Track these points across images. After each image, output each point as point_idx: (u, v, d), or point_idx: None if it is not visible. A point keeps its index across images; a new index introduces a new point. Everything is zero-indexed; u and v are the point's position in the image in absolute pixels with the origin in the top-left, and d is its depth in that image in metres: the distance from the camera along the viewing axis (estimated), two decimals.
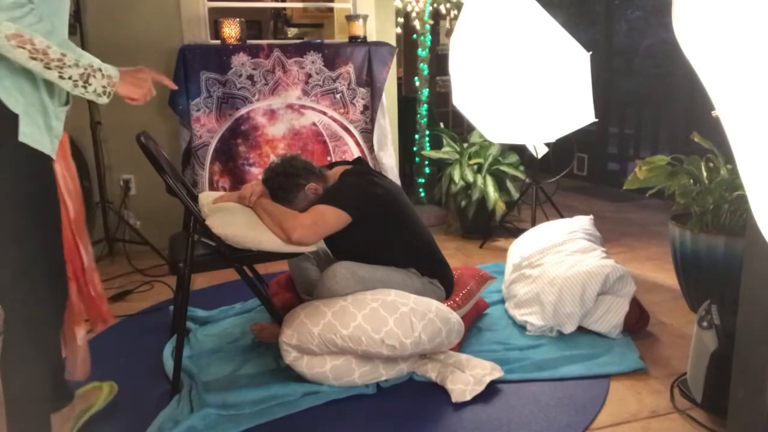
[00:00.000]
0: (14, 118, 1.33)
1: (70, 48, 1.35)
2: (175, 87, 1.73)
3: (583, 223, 2.75)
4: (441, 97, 5.45)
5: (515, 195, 3.71)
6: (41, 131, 1.38)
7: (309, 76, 3.47)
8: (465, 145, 3.85)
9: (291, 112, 3.49)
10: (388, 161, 3.66)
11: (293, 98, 3.47)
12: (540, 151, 3.50)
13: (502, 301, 2.65)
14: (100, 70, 1.42)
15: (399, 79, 4.68)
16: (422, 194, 4.24)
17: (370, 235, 2.10)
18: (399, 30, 4.22)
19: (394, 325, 1.87)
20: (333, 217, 1.99)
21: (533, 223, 3.32)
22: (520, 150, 3.77)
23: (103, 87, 1.43)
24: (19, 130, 1.33)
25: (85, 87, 1.39)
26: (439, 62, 5.08)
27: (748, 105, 0.94)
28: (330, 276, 1.99)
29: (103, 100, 1.44)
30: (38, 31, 1.28)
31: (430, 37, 4.12)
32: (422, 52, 4.11)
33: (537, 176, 3.54)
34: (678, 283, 2.63)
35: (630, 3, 5.18)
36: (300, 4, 4.87)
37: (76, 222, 1.64)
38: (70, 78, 1.36)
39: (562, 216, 3.21)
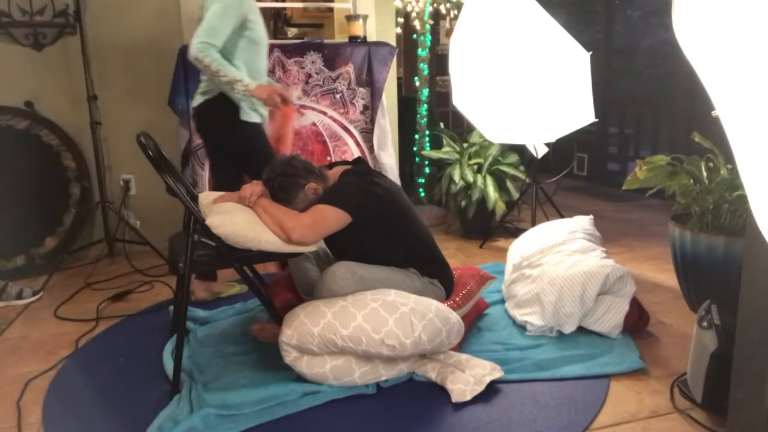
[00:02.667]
0: (237, 107, 2.53)
1: (226, 67, 2.37)
2: (289, 95, 2.60)
3: (583, 223, 2.75)
4: (441, 97, 5.45)
5: (515, 195, 3.71)
6: (249, 113, 2.56)
7: (309, 76, 3.47)
8: (465, 145, 3.85)
9: None
10: (388, 161, 3.66)
11: (293, 98, 3.47)
12: (540, 151, 3.50)
13: (502, 301, 2.65)
14: (240, 81, 2.39)
15: (399, 79, 4.68)
16: (422, 194, 4.24)
17: (370, 235, 2.09)
18: (399, 30, 4.22)
19: (394, 325, 1.87)
20: (333, 217, 1.99)
21: (533, 223, 3.32)
22: (520, 150, 3.76)
23: (243, 90, 2.40)
24: (240, 113, 2.54)
25: (232, 89, 2.40)
26: (439, 62, 5.08)
27: (748, 105, 0.94)
28: (330, 276, 1.99)
29: (246, 96, 2.45)
30: (213, 59, 2.35)
31: (430, 37, 4.12)
32: (422, 52, 4.12)
33: (537, 176, 3.54)
34: (678, 283, 2.62)
35: (630, 3, 5.18)
36: (300, 4, 4.87)
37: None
38: (224, 83, 2.40)
39: (562, 216, 3.21)
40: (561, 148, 3.86)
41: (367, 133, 3.63)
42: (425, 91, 4.15)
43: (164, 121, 3.50)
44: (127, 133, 3.37)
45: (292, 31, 5.88)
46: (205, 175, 3.38)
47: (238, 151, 2.59)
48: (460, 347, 2.16)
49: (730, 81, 0.95)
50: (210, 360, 2.16)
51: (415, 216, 2.24)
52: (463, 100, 3.40)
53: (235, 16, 2.45)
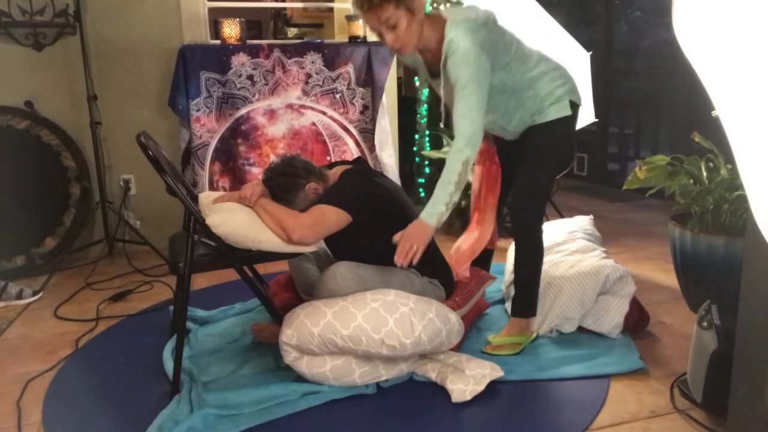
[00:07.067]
0: None
1: None
2: None
3: (583, 223, 2.75)
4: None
5: None
6: None
7: (309, 76, 3.47)
8: None
9: (291, 112, 3.49)
10: (389, 161, 3.66)
11: (293, 98, 3.47)
12: None
13: (502, 301, 2.65)
14: None
15: (399, 79, 4.67)
16: (422, 194, 4.23)
17: (370, 234, 2.09)
18: None
19: (394, 325, 1.87)
20: (333, 217, 1.98)
21: None
22: None
23: None
24: None
25: None
26: None
27: (748, 105, 0.94)
28: (330, 276, 1.99)
29: None
30: None
31: None
32: None
33: None
34: (678, 283, 2.62)
35: (630, 3, 5.18)
36: (300, 4, 4.88)
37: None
38: None
39: (562, 216, 3.21)
40: None
41: (367, 133, 3.63)
42: (425, 91, 4.15)
43: (164, 121, 3.51)
44: (127, 133, 3.37)
45: (292, 31, 5.88)
46: (205, 175, 3.39)
47: None
48: (460, 347, 2.16)
49: (730, 81, 0.95)
50: (210, 360, 2.16)
51: (415, 216, 2.24)
52: None
53: None
